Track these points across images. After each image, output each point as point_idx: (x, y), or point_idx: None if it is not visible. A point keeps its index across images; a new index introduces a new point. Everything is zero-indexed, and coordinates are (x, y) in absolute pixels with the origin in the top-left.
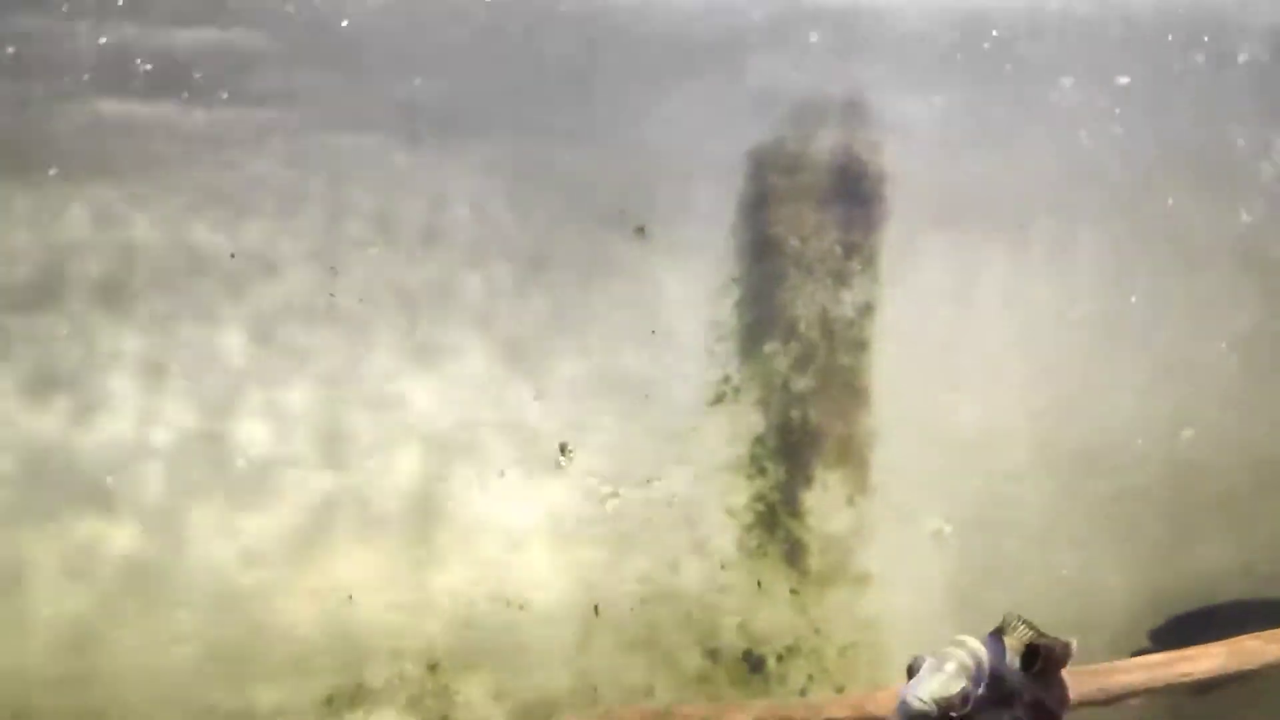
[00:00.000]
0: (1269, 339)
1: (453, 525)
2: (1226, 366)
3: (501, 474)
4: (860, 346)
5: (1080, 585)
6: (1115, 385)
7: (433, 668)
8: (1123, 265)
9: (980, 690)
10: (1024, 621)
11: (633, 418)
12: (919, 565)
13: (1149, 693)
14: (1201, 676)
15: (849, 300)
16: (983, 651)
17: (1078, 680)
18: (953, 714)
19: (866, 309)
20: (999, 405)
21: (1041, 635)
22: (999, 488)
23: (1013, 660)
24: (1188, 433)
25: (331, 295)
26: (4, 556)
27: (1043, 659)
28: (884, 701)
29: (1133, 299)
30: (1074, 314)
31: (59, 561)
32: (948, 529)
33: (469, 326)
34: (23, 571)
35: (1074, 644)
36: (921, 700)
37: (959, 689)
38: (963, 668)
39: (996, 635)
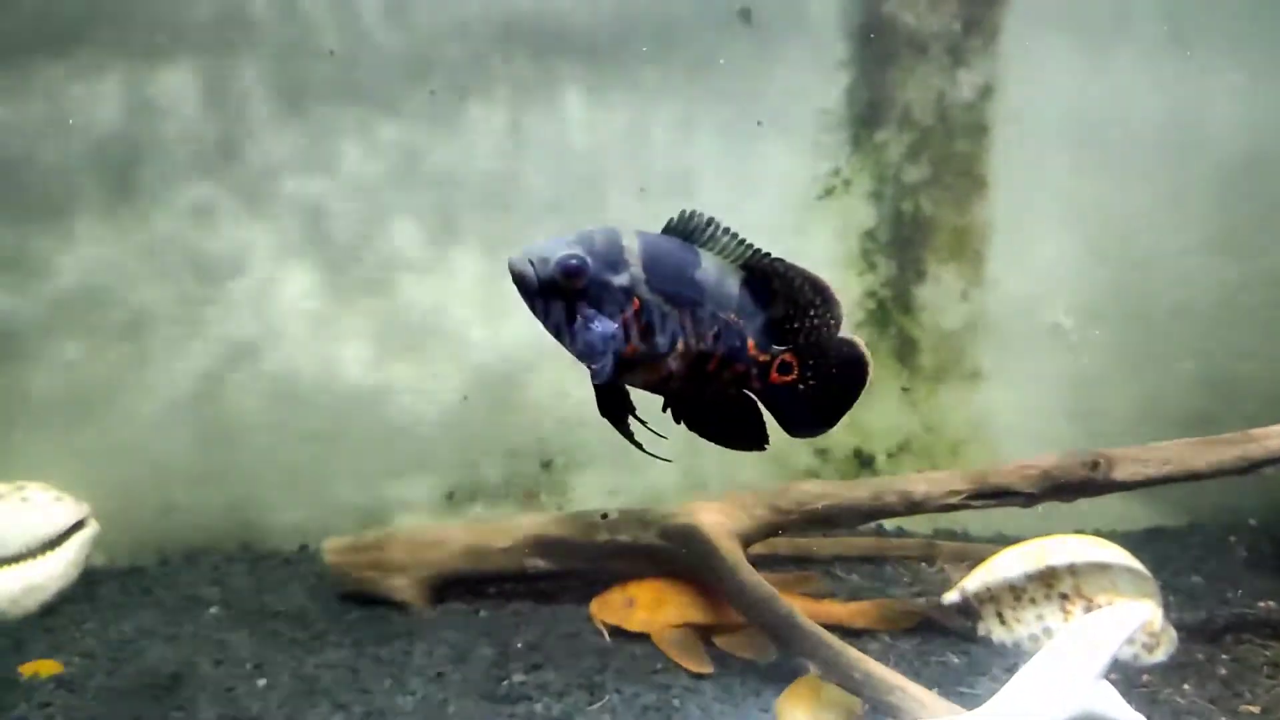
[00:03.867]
0: None
1: None
2: None
3: None
4: (979, 131)
5: (1207, 377)
6: (1259, 159)
7: (547, 465)
8: (1262, 47)
9: (605, 273)
10: (776, 260)
11: (739, 214)
12: (1035, 361)
13: None
14: None
15: (967, 82)
16: (622, 237)
17: (1215, 449)
18: (559, 281)
19: (986, 91)
20: (1127, 190)
21: (791, 273)
22: (1124, 277)
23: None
24: None
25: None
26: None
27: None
28: (1006, 473)
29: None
30: (1213, 91)
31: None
32: (1068, 322)
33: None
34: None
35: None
36: (527, 258)
37: (565, 254)
38: (585, 240)
39: (678, 234)
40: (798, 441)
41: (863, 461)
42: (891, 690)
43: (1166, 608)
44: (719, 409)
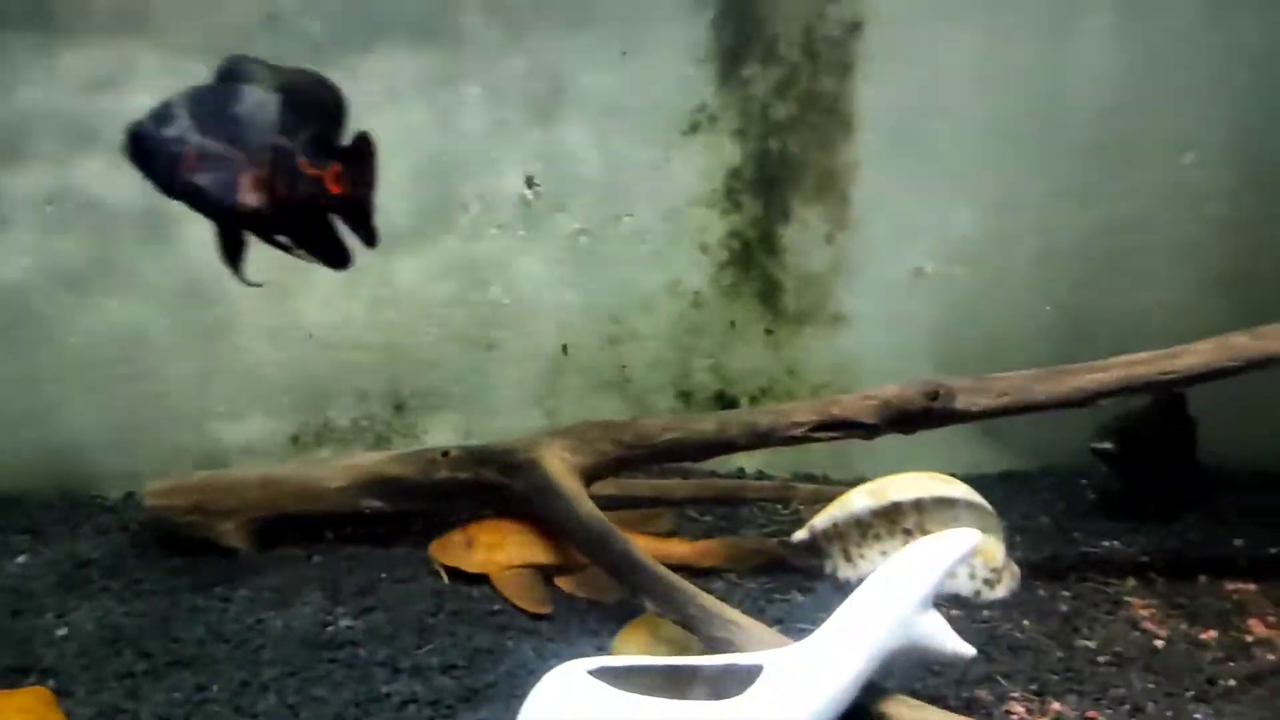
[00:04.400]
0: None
1: (415, 264)
2: (1230, 89)
3: (465, 209)
4: (845, 69)
5: (1065, 319)
6: (1118, 108)
7: (399, 408)
8: None
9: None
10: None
11: (601, 149)
12: (898, 304)
13: (1127, 390)
14: (1185, 373)
15: (835, 16)
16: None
17: (1051, 381)
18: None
19: (854, 27)
20: (991, 132)
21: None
22: (987, 221)
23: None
24: (1189, 156)
25: None
26: None
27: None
28: (848, 404)
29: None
30: (1078, 29)
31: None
32: (930, 267)
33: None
34: None
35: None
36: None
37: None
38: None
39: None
40: (659, 384)
41: (725, 404)
42: (725, 625)
43: (1012, 546)
44: (301, 230)
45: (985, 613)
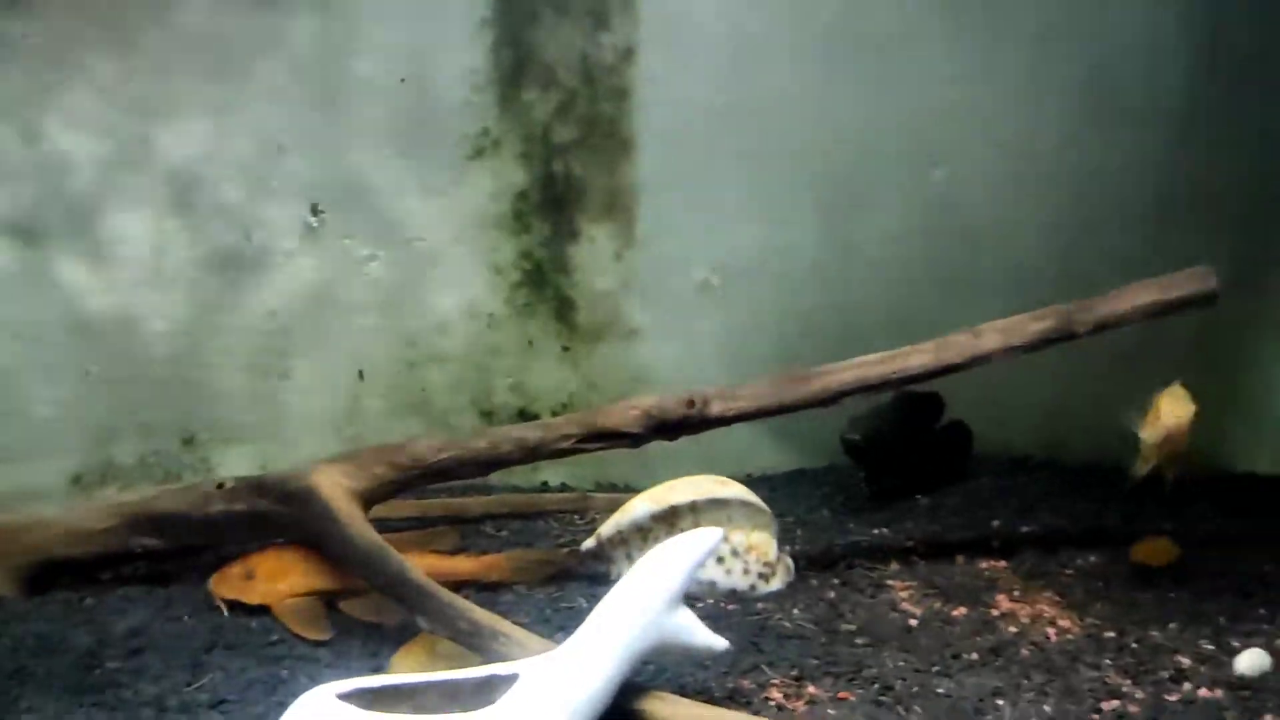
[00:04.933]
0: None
1: (201, 296)
2: (980, 107)
3: (247, 237)
4: (622, 94)
5: (841, 325)
6: (875, 127)
7: (188, 442)
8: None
9: None
10: None
11: (387, 174)
12: (688, 316)
13: (864, 389)
14: (915, 371)
15: (609, 43)
16: None
17: (799, 385)
18: None
19: (627, 54)
20: (766, 151)
21: None
22: (766, 235)
23: None
24: (939, 172)
25: None
26: None
27: None
28: (612, 415)
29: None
30: (835, 55)
31: None
32: (715, 279)
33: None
34: None
35: None
36: None
37: None
38: None
39: None
40: (460, 405)
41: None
42: (495, 636)
43: (793, 540)
44: None
45: (759, 605)
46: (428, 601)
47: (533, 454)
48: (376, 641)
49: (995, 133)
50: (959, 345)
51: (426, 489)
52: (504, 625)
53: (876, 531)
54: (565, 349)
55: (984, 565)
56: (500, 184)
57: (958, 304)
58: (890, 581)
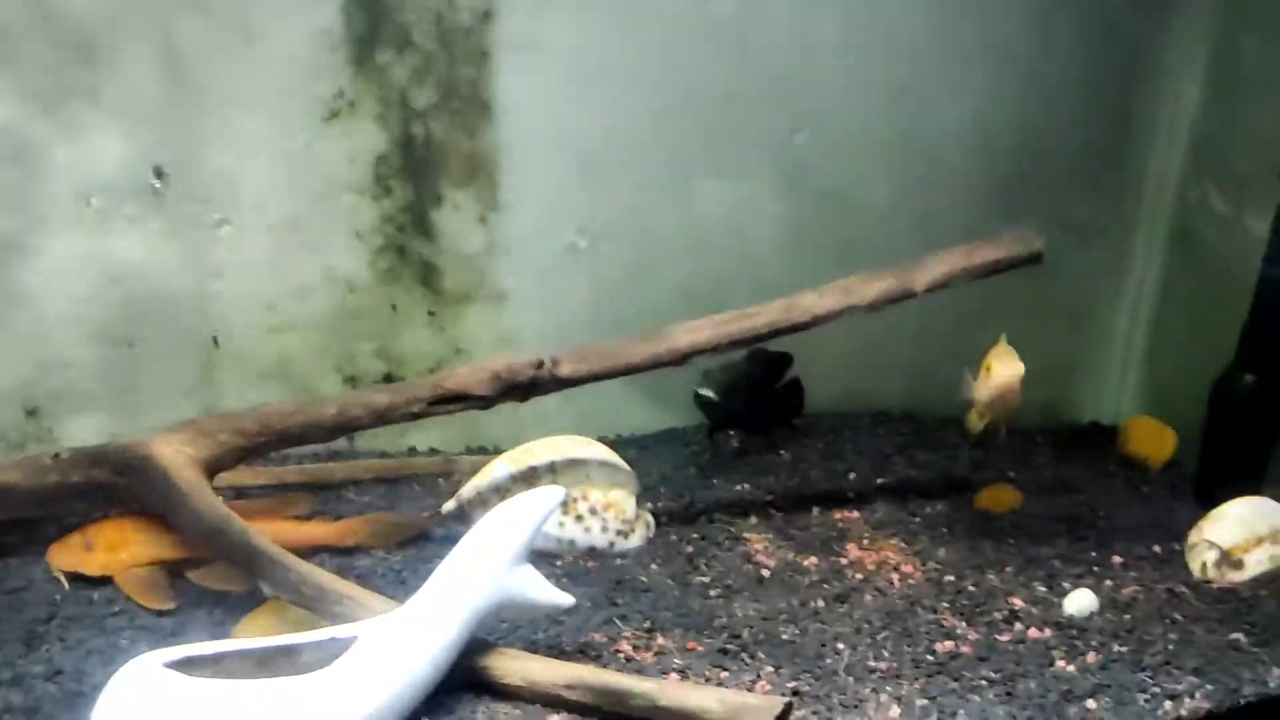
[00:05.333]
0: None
1: (39, 264)
2: (840, 71)
3: (88, 203)
4: (481, 56)
5: (701, 286)
6: (739, 92)
7: (32, 413)
8: None
9: None
10: None
11: (234, 137)
12: (555, 279)
13: (716, 348)
14: (764, 329)
15: (466, 5)
16: None
17: (646, 345)
18: None
19: (485, 16)
20: (627, 113)
21: None
22: (630, 197)
23: None
24: (801, 136)
25: None
26: None
27: None
28: (462, 378)
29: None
30: (701, 17)
31: None
32: (582, 242)
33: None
34: None
35: None
36: None
37: None
38: None
39: None
40: (323, 371)
41: None
42: (340, 600)
43: (656, 498)
44: None
45: (618, 561)
46: (271, 567)
47: (382, 418)
48: (224, 610)
49: (855, 97)
50: (805, 304)
51: (290, 455)
52: (348, 588)
53: (739, 487)
54: (431, 314)
55: (838, 516)
56: (358, 147)
57: (821, 265)
58: (747, 535)
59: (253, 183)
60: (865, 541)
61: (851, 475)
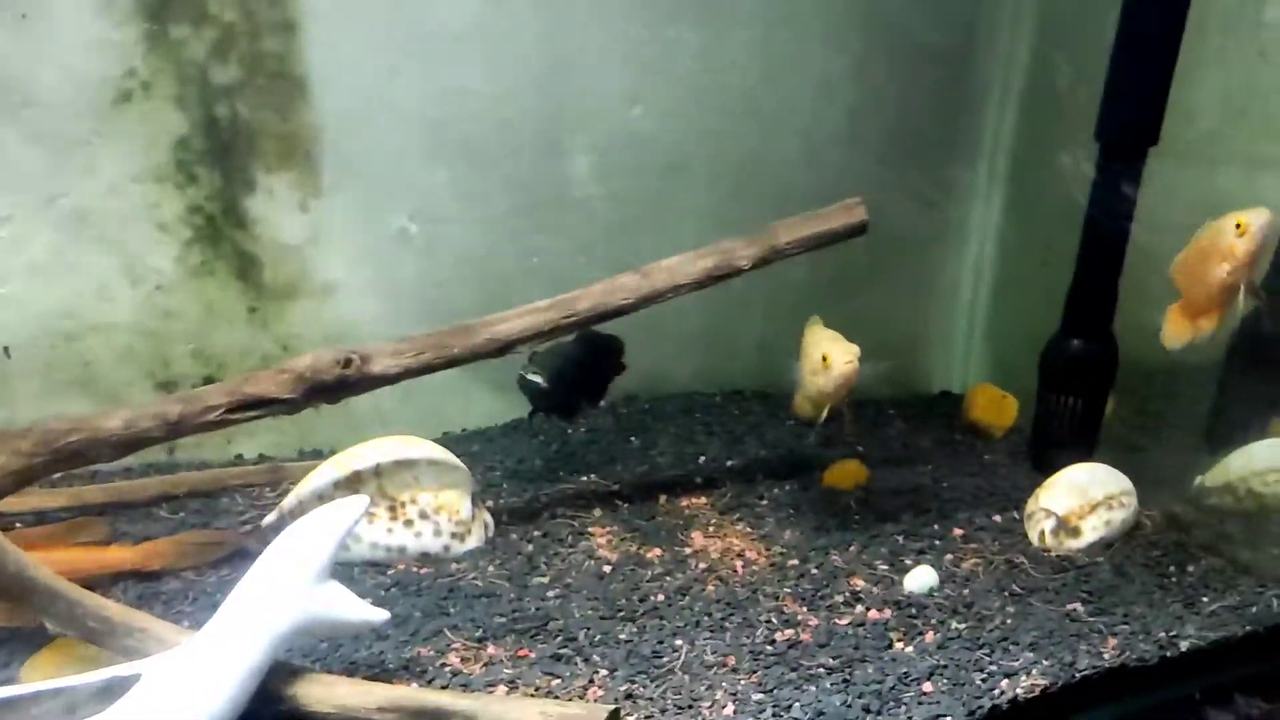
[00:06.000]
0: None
1: None
2: (675, 46)
3: None
4: (289, 28)
5: (553, 271)
6: (574, 67)
7: None
8: None
9: None
10: None
11: (10, 125)
12: (387, 267)
13: (536, 336)
14: (585, 314)
15: None
16: None
17: (464, 336)
18: None
19: None
20: (456, 89)
21: None
22: (464, 179)
23: None
24: (637, 109)
25: None
26: None
27: None
28: (262, 381)
29: None
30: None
31: None
32: (413, 228)
33: None
34: None
35: None
36: None
37: None
38: None
39: None
40: (132, 378)
41: None
42: (130, 633)
43: (498, 494)
44: None
45: (454, 566)
46: (52, 602)
47: (176, 430)
48: (8, 650)
49: (689, 69)
50: (627, 286)
51: (100, 471)
52: (142, 620)
53: (586, 478)
54: (252, 310)
55: (685, 503)
56: (154, 131)
57: (663, 238)
58: (592, 528)
59: (35, 174)
60: (711, 528)
61: (701, 458)
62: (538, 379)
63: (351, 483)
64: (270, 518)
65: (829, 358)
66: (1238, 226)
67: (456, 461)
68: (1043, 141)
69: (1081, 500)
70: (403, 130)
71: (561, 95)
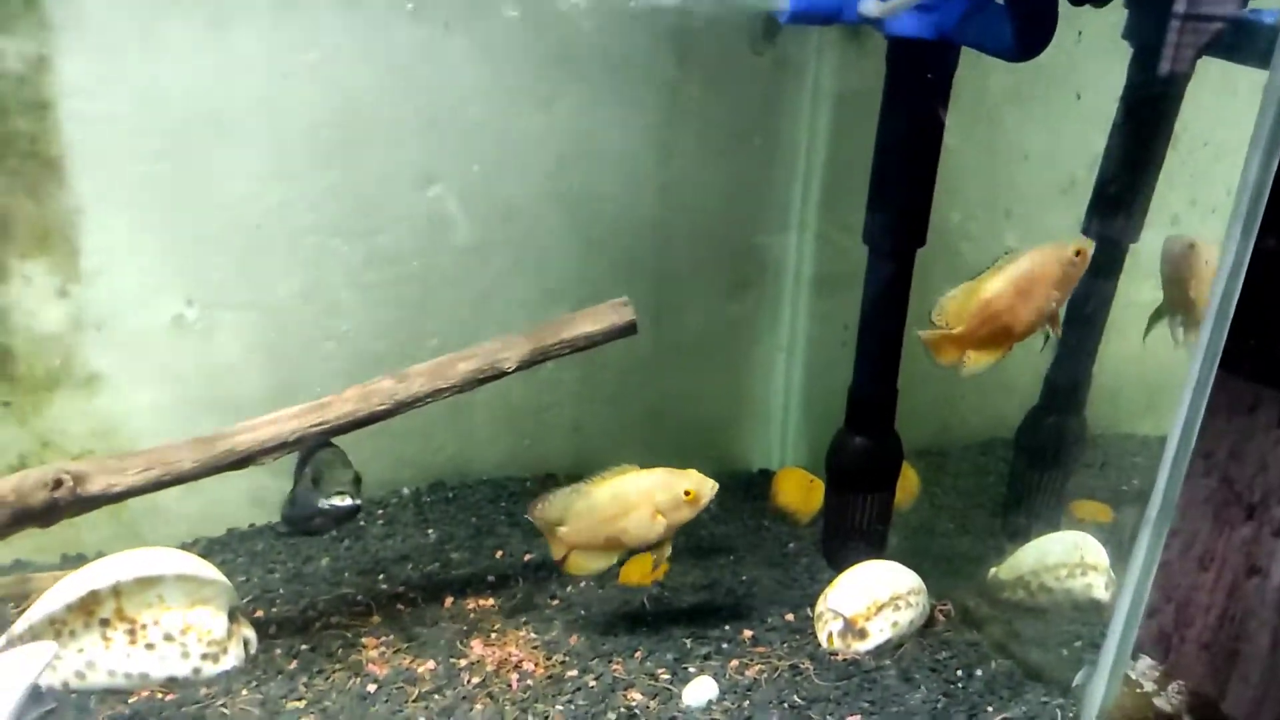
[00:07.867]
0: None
1: None
2: (476, 126)
3: None
4: (41, 108)
5: (351, 360)
6: (366, 140)
7: None
8: (369, 21)
9: None
10: None
11: None
12: (162, 355)
13: (282, 447)
14: (336, 422)
15: (14, 52)
16: None
17: (200, 448)
18: None
19: (42, 63)
20: (232, 170)
21: None
22: (247, 261)
23: None
24: (434, 189)
25: None
26: None
27: None
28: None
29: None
30: (300, 64)
31: None
32: (191, 313)
33: None
34: None
35: None
36: None
37: None
38: None
39: None
40: None
41: None
42: None
43: (272, 601)
44: None
45: (203, 691)
46: None
47: None
48: None
49: (490, 149)
50: (384, 391)
51: None
52: None
53: (373, 579)
54: (6, 404)
55: (472, 605)
56: None
57: (463, 320)
58: (365, 639)
59: None
60: (494, 635)
61: (499, 553)
62: (346, 501)
63: (88, 604)
64: None
65: (693, 492)
66: (1077, 254)
67: (213, 574)
68: (842, 223)
69: (868, 600)
70: (175, 211)
71: (353, 174)
